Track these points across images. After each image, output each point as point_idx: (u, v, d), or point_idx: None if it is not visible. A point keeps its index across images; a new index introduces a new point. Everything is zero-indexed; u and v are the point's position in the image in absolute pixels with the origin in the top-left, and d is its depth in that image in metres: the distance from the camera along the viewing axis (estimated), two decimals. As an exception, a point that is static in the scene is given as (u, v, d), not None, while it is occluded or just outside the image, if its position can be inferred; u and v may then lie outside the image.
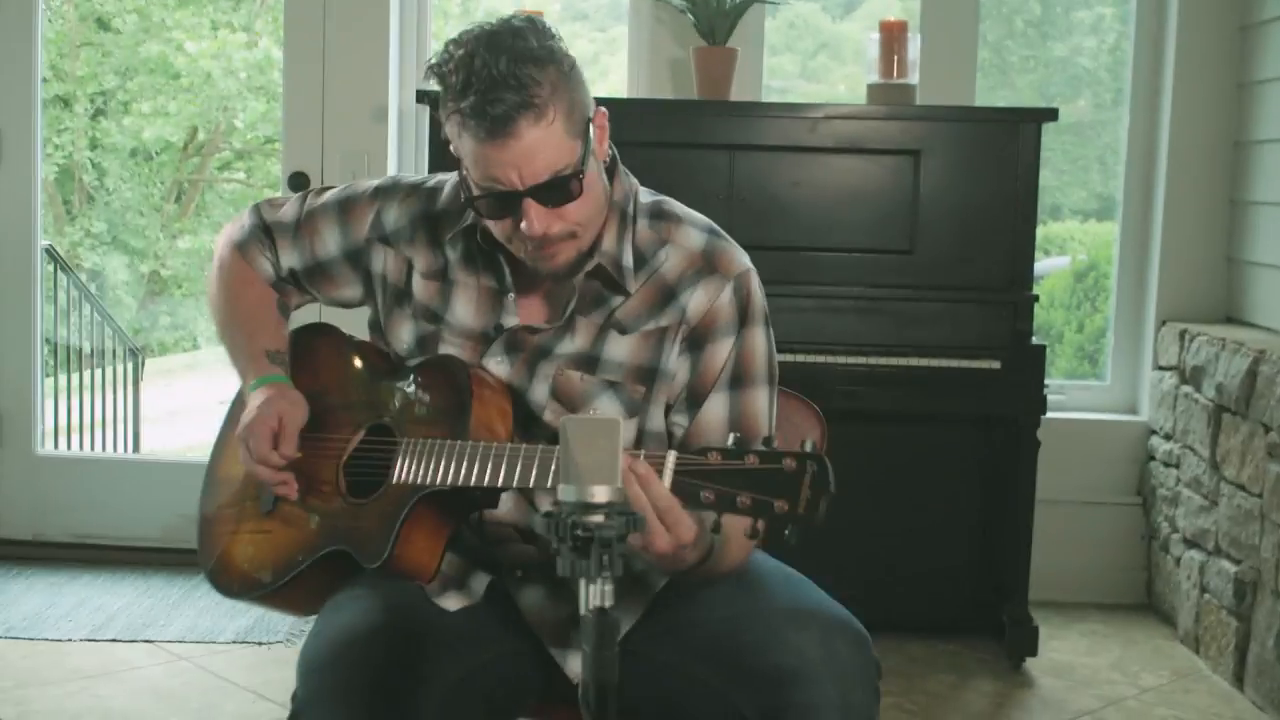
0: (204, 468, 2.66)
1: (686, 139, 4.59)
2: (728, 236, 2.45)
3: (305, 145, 5.20)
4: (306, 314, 2.73)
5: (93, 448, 7.58)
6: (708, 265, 2.36)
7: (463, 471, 2.19)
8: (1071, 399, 5.28)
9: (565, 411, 2.31)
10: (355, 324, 2.66)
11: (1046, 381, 4.44)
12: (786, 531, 1.93)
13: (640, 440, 2.35)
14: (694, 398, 2.34)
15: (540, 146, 2.14)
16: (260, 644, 4.45)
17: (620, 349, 2.34)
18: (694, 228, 2.42)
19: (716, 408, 2.33)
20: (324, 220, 2.54)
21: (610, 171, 2.37)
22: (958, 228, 4.54)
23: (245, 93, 10.38)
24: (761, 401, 2.35)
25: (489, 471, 2.17)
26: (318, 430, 2.45)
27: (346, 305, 2.62)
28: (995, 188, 4.53)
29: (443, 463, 2.22)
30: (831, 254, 4.56)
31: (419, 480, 2.24)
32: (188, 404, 9.49)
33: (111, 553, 5.30)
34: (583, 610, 1.77)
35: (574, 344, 2.35)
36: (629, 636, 2.32)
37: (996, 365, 4.36)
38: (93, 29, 10.47)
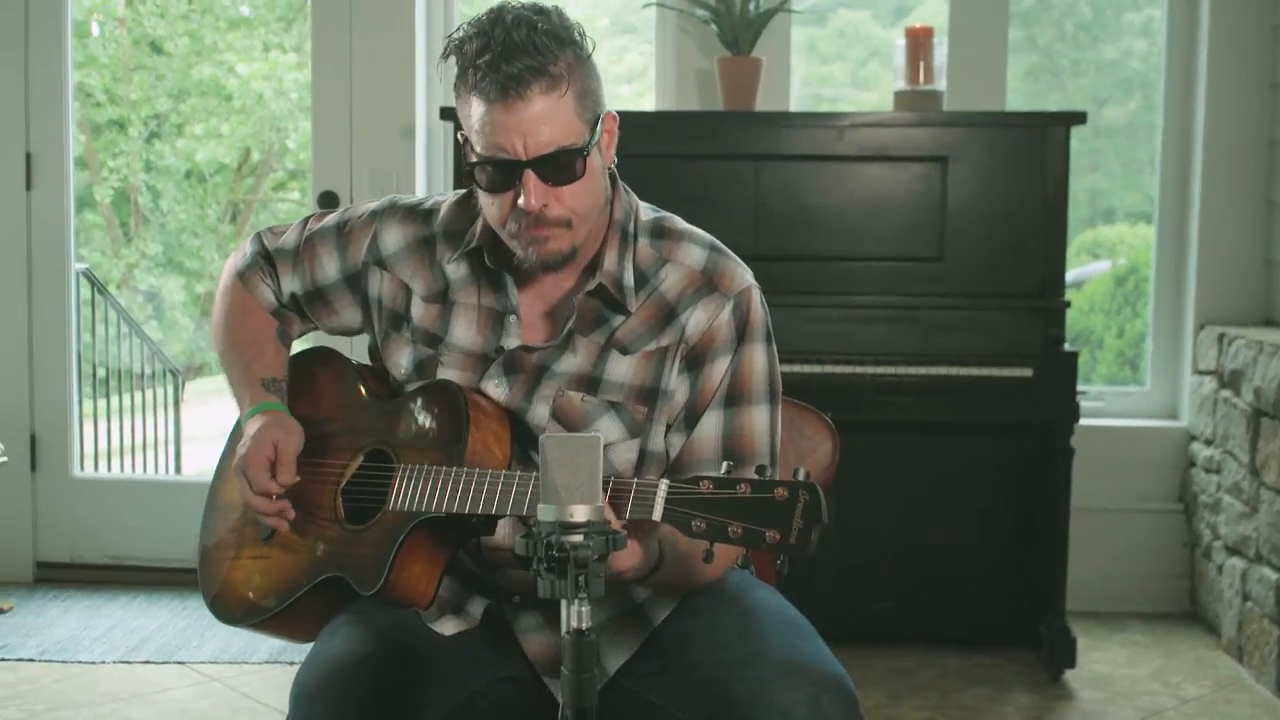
0: None
1: (711, 150, 4.56)
2: (730, 252, 2.39)
3: (334, 164, 5.21)
4: (310, 339, 2.72)
5: (134, 470, 7.61)
6: (708, 283, 2.31)
7: (457, 498, 2.16)
8: (1111, 405, 5.20)
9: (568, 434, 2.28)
10: (358, 349, 2.64)
11: (1083, 388, 4.38)
12: (779, 561, 1.89)
13: (642, 461, 2.32)
14: (691, 417, 2.30)
15: (548, 116, 2.12)
16: (293, 664, 4.45)
17: (621, 369, 2.30)
18: (695, 245, 2.36)
19: (710, 426, 2.29)
20: (323, 245, 2.52)
21: (610, 187, 2.34)
22: (987, 234, 4.49)
23: (296, 113, 10.43)
24: (758, 420, 2.30)
25: (483, 499, 2.14)
26: (317, 456, 2.43)
27: (347, 333, 2.59)
28: (1025, 192, 4.48)
29: (438, 489, 2.19)
30: (860, 263, 4.51)
31: (414, 507, 2.22)
32: (239, 424, 9.49)
33: (148, 574, 5.34)
34: (563, 632, 1.75)
35: (574, 363, 2.31)
36: (621, 672, 2.29)
37: (1028, 373, 4.31)
38: (146, 52, 10.55)
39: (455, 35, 2.20)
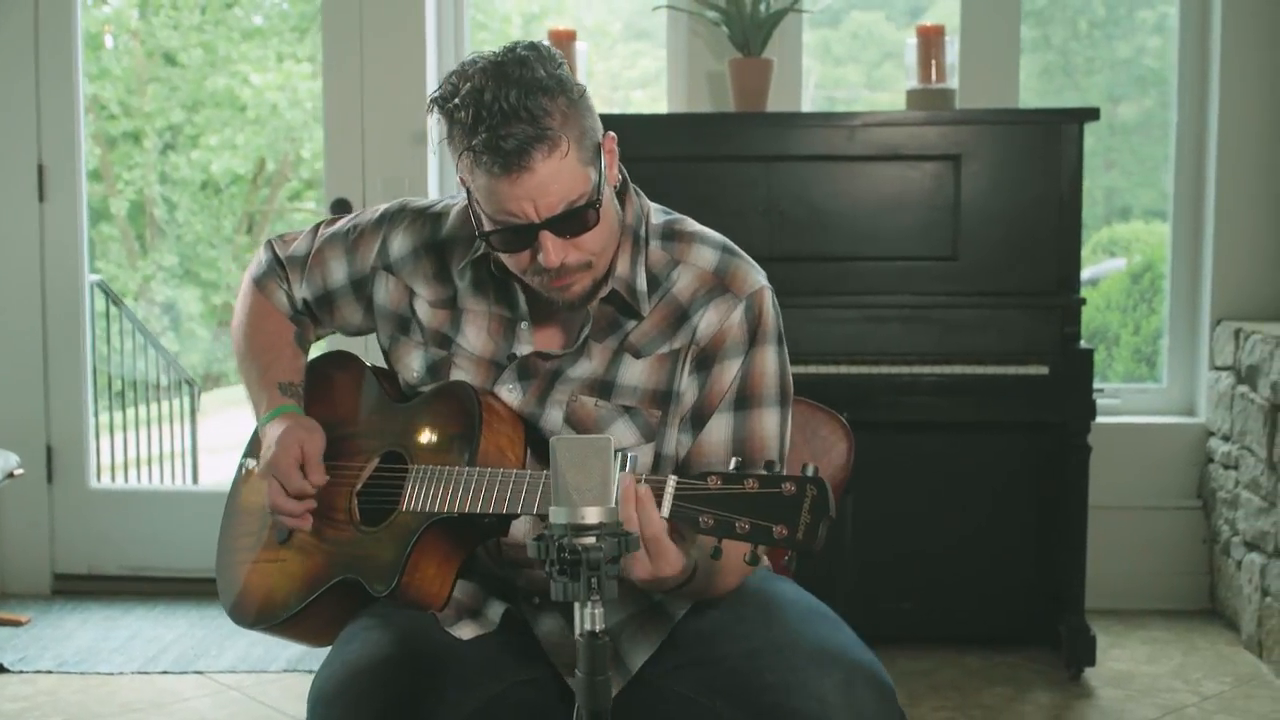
0: None
1: (723, 152, 4.54)
2: (742, 253, 2.38)
3: (347, 171, 5.21)
4: (330, 342, 2.73)
5: (151, 481, 7.61)
6: (720, 284, 2.30)
7: (469, 499, 2.17)
8: (1128, 403, 5.19)
9: None
10: (376, 353, 2.64)
11: (1100, 385, 4.36)
12: (787, 557, 1.89)
13: (657, 465, 2.31)
14: (698, 417, 2.29)
15: (555, 178, 2.10)
16: (311, 672, 4.42)
17: (634, 373, 2.30)
18: (707, 246, 2.35)
19: (720, 428, 2.28)
20: (332, 251, 2.53)
21: (621, 194, 2.33)
22: (1002, 232, 4.48)
23: (310, 123, 10.43)
24: (769, 423, 2.29)
25: (494, 498, 2.15)
26: (333, 459, 2.44)
27: (359, 333, 2.60)
28: (1039, 190, 4.46)
29: (450, 489, 2.20)
30: (873, 263, 4.50)
31: (427, 507, 2.22)
32: (257, 433, 9.48)
33: (166, 584, 5.34)
34: (576, 634, 1.74)
35: (588, 368, 2.31)
36: (647, 667, 2.29)
37: (1044, 370, 4.29)
38: (160, 64, 10.56)
39: (441, 93, 2.16)
